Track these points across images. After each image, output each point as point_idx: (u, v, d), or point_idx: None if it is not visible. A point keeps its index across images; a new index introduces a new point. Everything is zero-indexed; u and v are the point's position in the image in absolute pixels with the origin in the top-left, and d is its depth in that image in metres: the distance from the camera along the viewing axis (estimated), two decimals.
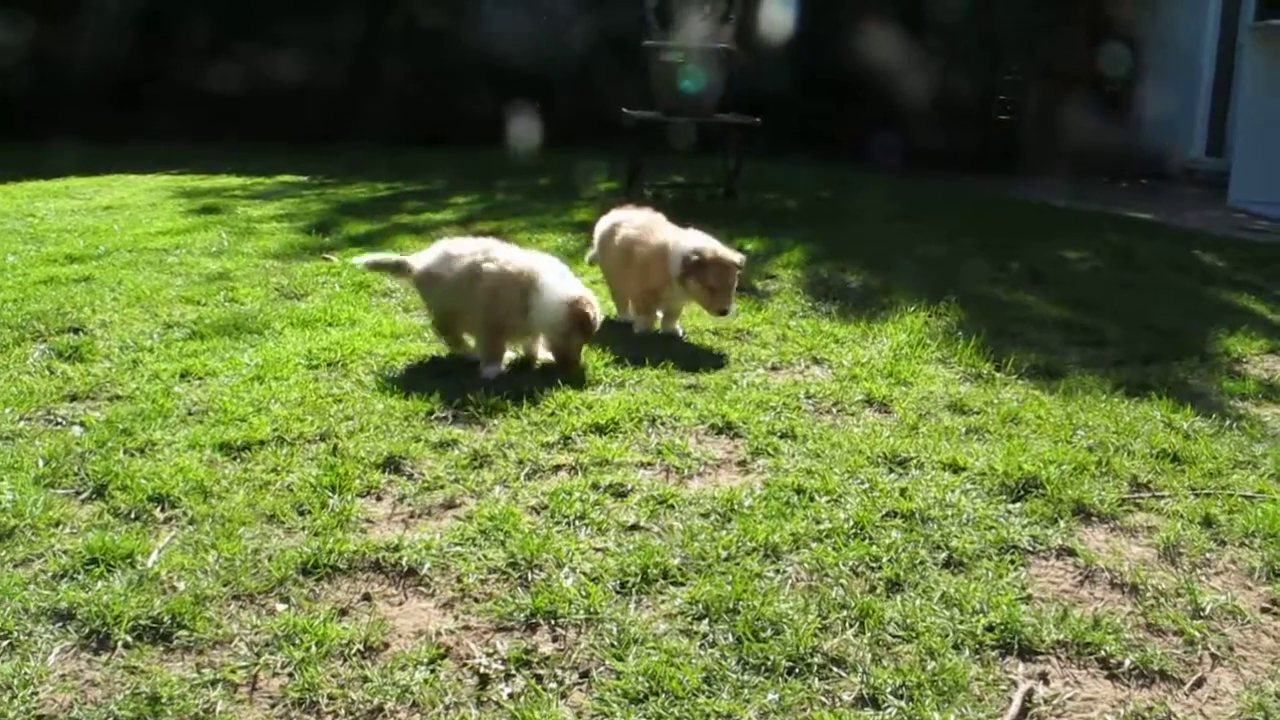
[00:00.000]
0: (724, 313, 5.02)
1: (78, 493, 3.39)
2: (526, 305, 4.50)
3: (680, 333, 5.17)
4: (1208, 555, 3.18)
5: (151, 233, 7.32)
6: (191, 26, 12.81)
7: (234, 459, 3.68)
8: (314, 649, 2.63)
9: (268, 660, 2.60)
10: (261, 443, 3.79)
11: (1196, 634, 2.77)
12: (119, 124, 12.36)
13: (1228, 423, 4.18)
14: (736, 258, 5.03)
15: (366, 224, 7.94)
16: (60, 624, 2.70)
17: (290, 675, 2.55)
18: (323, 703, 2.47)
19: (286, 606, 2.83)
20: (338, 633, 2.70)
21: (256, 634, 2.70)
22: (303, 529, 3.21)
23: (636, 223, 5.30)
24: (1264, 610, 2.90)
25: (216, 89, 12.13)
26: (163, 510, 3.30)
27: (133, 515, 3.25)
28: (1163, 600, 2.93)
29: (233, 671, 2.56)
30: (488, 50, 12.28)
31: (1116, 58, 13.02)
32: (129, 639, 2.65)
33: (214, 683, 2.52)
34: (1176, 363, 4.98)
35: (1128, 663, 2.65)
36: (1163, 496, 3.54)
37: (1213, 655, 2.71)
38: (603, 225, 5.52)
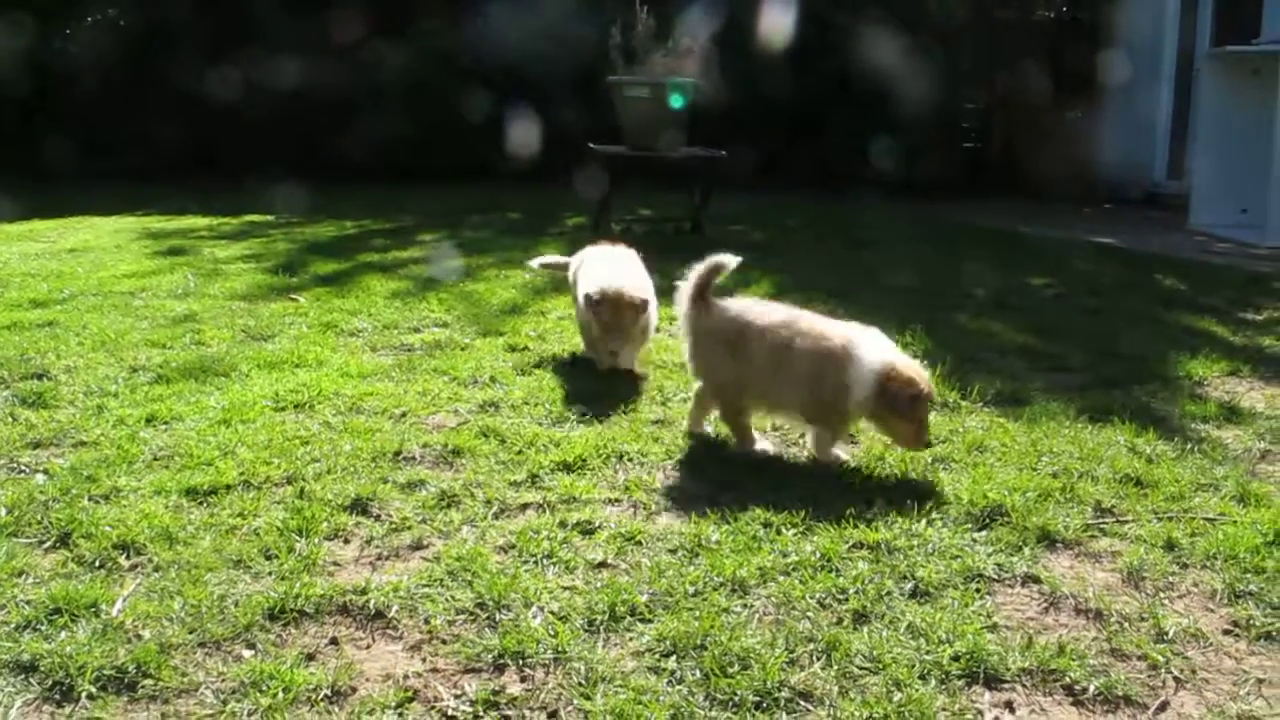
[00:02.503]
0: (611, 354, 4.96)
1: (41, 542, 3.36)
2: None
3: (634, 368, 5.12)
4: (1170, 579, 3.21)
5: (117, 275, 7.30)
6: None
7: (200, 504, 3.66)
8: (281, 695, 2.61)
9: (234, 708, 2.58)
10: (228, 487, 3.77)
11: (1160, 658, 2.79)
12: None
13: (1190, 446, 4.23)
14: (637, 298, 4.91)
15: (334, 263, 7.94)
16: (23, 676, 2.67)
17: None
18: None
19: (253, 653, 2.81)
20: (305, 678, 2.68)
21: (223, 681, 2.68)
22: (269, 573, 3.19)
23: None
24: (1225, 632, 2.93)
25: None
26: (128, 558, 3.27)
27: (97, 564, 3.22)
28: (1126, 625, 2.95)
29: None
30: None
31: (1078, 83, 13.23)
32: (93, 690, 2.62)
33: None
34: (1139, 387, 5.03)
35: (1092, 689, 2.66)
36: (1126, 521, 3.58)
37: (1176, 679, 2.73)
38: (575, 262, 5.53)
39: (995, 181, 12.95)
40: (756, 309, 4.12)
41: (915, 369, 3.90)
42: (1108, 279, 7.86)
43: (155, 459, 4.04)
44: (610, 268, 5.14)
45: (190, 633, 2.87)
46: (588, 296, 4.93)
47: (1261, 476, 3.97)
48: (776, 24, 11.81)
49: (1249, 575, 3.18)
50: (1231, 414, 4.67)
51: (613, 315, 4.89)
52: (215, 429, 4.33)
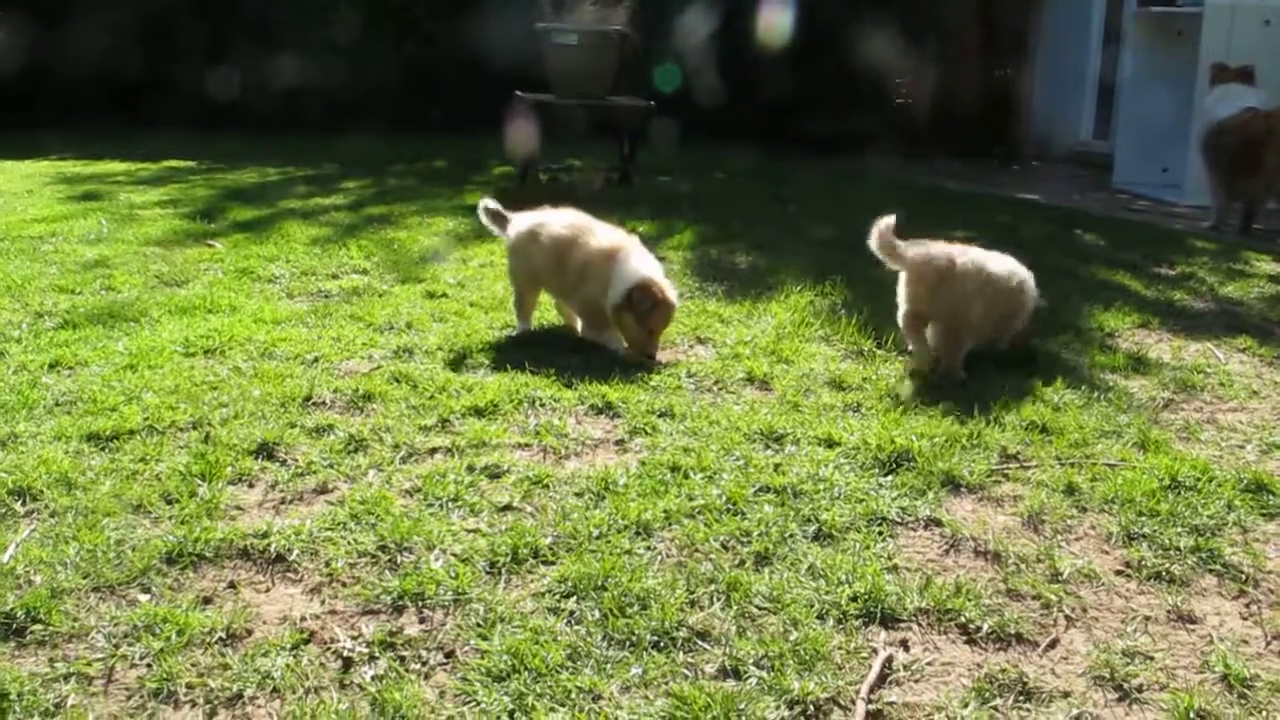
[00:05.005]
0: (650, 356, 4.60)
1: None
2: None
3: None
4: (1069, 522, 3.27)
5: (26, 220, 7.10)
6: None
7: (102, 449, 3.59)
8: (174, 638, 2.58)
9: (126, 651, 2.54)
10: (131, 432, 3.70)
11: (1053, 598, 2.85)
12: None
13: (1096, 394, 4.29)
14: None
15: (254, 210, 7.79)
16: None
17: (148, 666, 2.50)
18: (181, 692, 2.42)
19: (148, 597, 2.77)
20: (200, 621, 2.65)
21: (115, 625, 2.64)
22: (170, 518, 3.14)
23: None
24: (1118, 573, 3.00)
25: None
26: (23, 504, 3.21)
27: None
28: (1023, 566, 3.01)
29: (88, 664, 2.50)
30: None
31: (1008, 41, 13.31)
32: None
33: (67, 676, 2.46)
34: (1052, 338, 5.09)
35: (986, 627, 2.71)
36: (1030, 467, 3.63)
37: (1067, 617, 2.79)
38: (528, 222, 4.95)
39: (925, 138, 13.00)
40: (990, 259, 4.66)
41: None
42: (1028, 233, 7.92)
43: (57, 405, 3.95)
44: (639, 258, 4.68)
45: (84, 578, 2.82)
46: (640, 301, 4.50)
47: (1163, 424, 4.05)
48: None
49: (1144, 518, 3.26)
50: (1139, 364, 4.75)
51: (663, 320, 4.61)
52: (121, 374, 4.24)
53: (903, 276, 4.60)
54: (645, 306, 4.52)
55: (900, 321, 4.62)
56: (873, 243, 4.56)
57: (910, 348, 4.65)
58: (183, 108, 11.80)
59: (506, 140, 8.89)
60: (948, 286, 4.49)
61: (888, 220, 4.55)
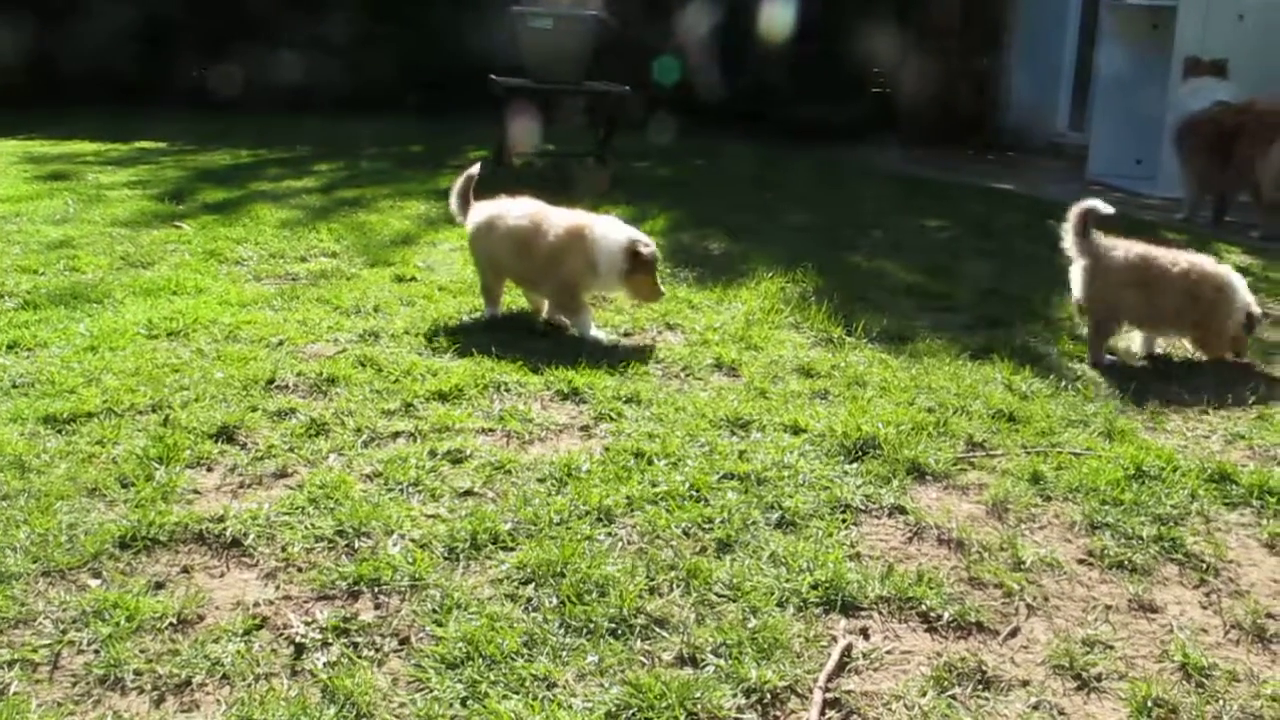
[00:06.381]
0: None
1: None
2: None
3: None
4: (1033, 511, 3.26)
5: None
6: None
7: (58, 432, 3.53)
8: (124, 624, 2.54)
9: (73, 637, 2.50)
10: (89, 415, 3.65)
11: (1015, 586, 2.84)
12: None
13: (1064, 384, 4.29)
14: None
15: (224, 191, 7.69)
16: None
17: (96, 652, 2.46)
18: (128, 679, 2.38)
19: (99, 582, 2.73)
20: (151, 607, 2.61)
21: (64, 611, 2.59)
22: (125, 502, 3.09)
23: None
24: (1080, 562, 2.99)
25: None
26: None
27: None
28: (986, 555, 2.99)
29: (33, 650, 2.45)
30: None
31: (986, 32, 13.31)
32: None
33: (12, 663, 2.41)
34: (1021, 327, 5.10)
35: (947, 615, 2.70)
36: (996, 455, 3.62)
37: (1029, 606, 2.78)
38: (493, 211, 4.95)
39: (903, 127, 12.99)
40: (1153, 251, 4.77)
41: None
42: (1001, 223, 7.93)
43: (14, 386, 3.90)
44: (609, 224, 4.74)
45: (34, 562, 2.78)
46: (642, 255, 4.61)
47: (1130, 414, 4.05)
48: None
49: (1108, 507, 3.25)
50: (1107, 353, 4.74)
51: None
52: (82, 356, 4.18)
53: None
54: (648, 260, 4.63)
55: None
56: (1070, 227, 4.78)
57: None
58: (169, 96, 11.69)
59: (507, 136, 8.79)
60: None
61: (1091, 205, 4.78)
